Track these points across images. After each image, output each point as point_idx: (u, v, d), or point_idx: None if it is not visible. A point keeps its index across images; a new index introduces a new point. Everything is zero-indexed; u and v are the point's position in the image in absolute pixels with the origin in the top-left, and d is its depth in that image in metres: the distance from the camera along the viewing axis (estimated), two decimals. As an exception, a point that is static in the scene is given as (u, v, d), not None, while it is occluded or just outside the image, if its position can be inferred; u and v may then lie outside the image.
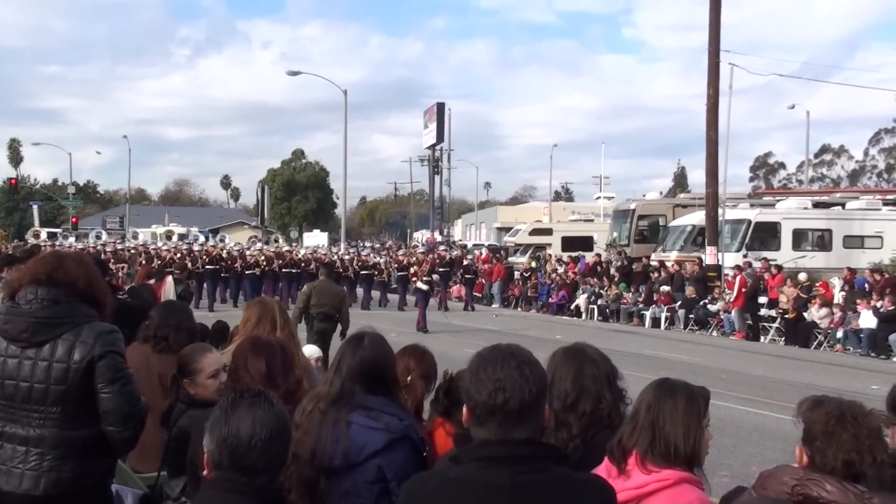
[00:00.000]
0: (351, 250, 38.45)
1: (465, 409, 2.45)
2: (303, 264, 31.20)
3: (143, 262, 26.23)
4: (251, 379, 3.43)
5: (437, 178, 70.44)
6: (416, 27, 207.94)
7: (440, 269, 30.43)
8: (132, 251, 32.02)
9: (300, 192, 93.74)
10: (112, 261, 28.60)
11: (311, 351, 7.20)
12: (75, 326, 3.66)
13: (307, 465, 3.27)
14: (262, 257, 30.52)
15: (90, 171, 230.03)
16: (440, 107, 67.13)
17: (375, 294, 31.90)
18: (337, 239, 56.84)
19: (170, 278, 14.53)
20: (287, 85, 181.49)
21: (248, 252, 31.48)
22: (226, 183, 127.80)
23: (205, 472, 2.50)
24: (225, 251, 30.99)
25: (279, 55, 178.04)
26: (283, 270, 30.51)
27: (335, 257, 32.69)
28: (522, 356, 2.44)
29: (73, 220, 59.98)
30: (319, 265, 23.59)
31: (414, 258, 31.11)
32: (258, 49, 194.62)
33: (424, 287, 23.77)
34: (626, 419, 3.22)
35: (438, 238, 59.33)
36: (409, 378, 4.08)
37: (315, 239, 62.52)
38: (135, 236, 48.53)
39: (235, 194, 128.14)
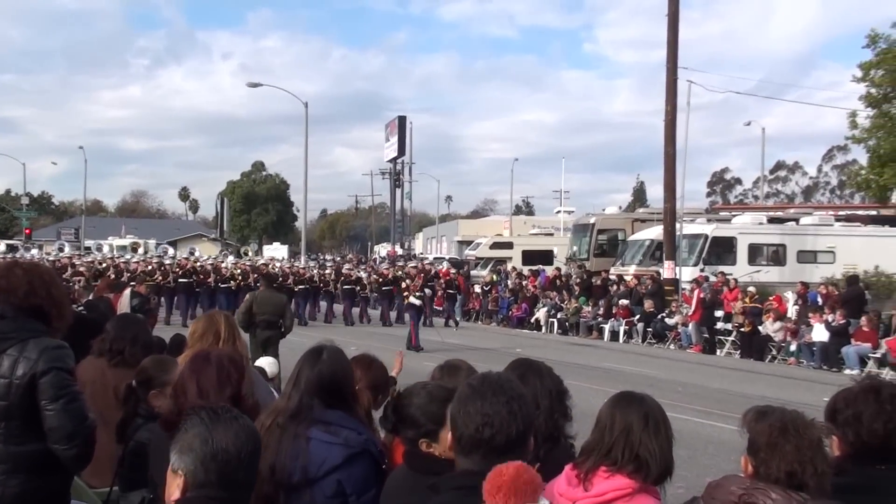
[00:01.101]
0: (311, 263, 38.02)
1: (449, 435, 2.46)
2: (280, 279, 29.88)
3: (113, 275, 25.63)
4: (185, 397, 3.33)
5: (398, 191, 70.48)
6: (379, 40, 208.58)
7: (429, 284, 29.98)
8: (102, 264, 30.91)
9: (260, 204, 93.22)
10: (69, 273, 28.04)
11: (268, 365, 7.16)
12: (20, 342, 3.59)
13: (266, 481, 3.25)
14: (238, 271, 29.87)
15: (45, 181, 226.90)
16: (401, 120, 67.24)
17: (366, 309, 31.31)
18: (297, 252, 56.54)
19: (127, 291, 14.38)
20: (247, 96, 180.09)
21: (222, 266, 30.80)
22: (184, 195, 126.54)
23: (176, 496, 2.41)
24: (198, 264, 30.26)
25: (239, 66, 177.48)
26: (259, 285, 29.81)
27: (314, 272, 31.86)
28: (512, 391, 2.46)
29: (27, 231, 58.98)
30: (260, 276, 23.12)
31: (404, 272, 29.41)
32: (218, 60, 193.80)
33: (417, 303, 22.59)
34: (593, 430, 3.26)
35: (400, 251, 59.31)
36: (357, 388, 4.07)
37: (275, 252, 62.18)
38: (98, 248, 47.81)
39: (194, 206, 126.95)
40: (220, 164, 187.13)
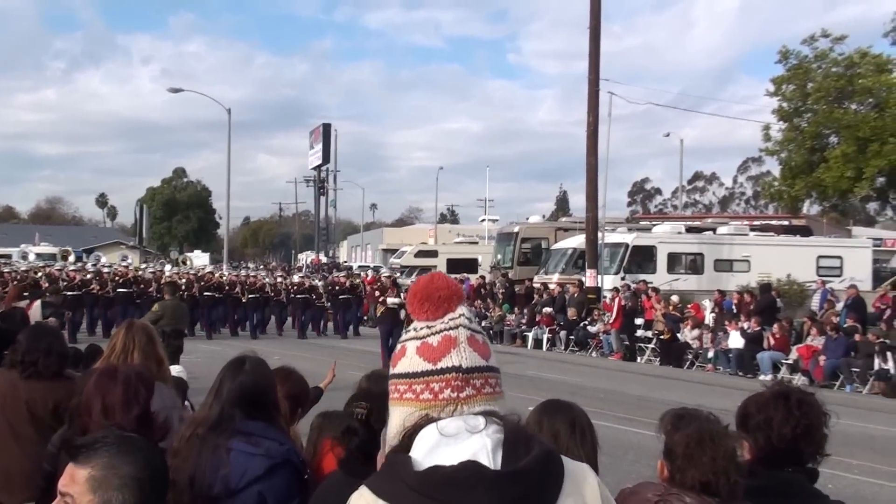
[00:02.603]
0: (236, 271, 36.77)
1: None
2: (227, 288, 27.95)
3: (46, 283, 24.39)
4: (89, 416, 3.21)
5: (322, 198, 70.13)
6: (303, 47, 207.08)
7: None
8: (36, 274, 27.78)
9: (181, 211, 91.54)
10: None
11: (180, 374, 7.03)
12: None
13: (185, 493, 3.19)
14: (183, 280, 27.71)
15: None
16: (326, 128, 66.92)
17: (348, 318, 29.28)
18: (219, 259, 55.60)
19: (38, 302, 13.96)
20: (169, 102, 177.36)
21: (165, 275, 28.88)
22: (102, 201, 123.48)
23: None
24: (139, 273, 28.48)
25: (161, 71, 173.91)
26: (205, 294, 27.32)
27: (265, 280, 29.54)
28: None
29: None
30: (164, 285, 22.03)
31: (378, 283, 26.19)
32: (138, 64, 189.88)
33: (397, 301, 20.52)
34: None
35: (324, 259, 58.89)
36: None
37: (196, 260, 61.05)
38: (24, 256, 46.02)
39: (112, 213, 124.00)
40: (139, 171, 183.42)
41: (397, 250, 54.76)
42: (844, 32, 24.10)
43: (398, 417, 1.68)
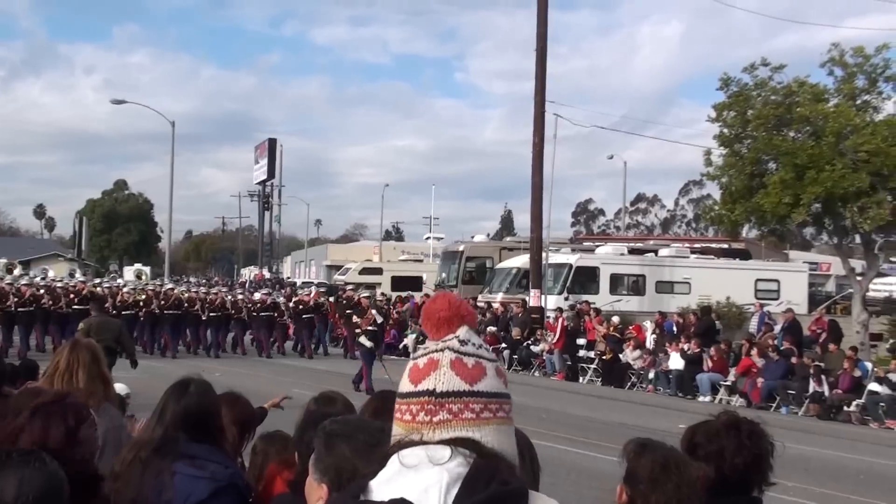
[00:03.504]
0: (181, 285, 35.81)
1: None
2: (186, 305, 26.46)
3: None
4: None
5: (267, 213, 69.52)
6: (250, 61, 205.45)
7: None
8: None
9: (122, 223, 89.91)
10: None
11: (121, 391, 6.94)
12: None
13: (127, 517, 3.15)
14: (143, 297, 26.35)
15: None
16: (272, 142, 66.57)
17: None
18: (160, 273, 54.72)
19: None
20: (111, 113, 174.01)
21: (124, 290, 27.39)
22: (40, 212, 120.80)
23: None
24: (97, 289, 26.87)
25: (103, 82, 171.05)
26: (166, 312, 25.91)
27: (228, 298, 28.04)
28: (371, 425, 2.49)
29: None
30: (91, 300, 21.02)
31: (356, 302, 24.69)
32: (80, 75, 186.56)
33: (368, 344, 19.50)
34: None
35: (267, 275, 58.37)
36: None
37: (125, 274, 59.95)
38: None
39: (50, 224, 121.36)
40: (79, 182, 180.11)
41: (342, 267, 54.43)
42: (783, 61, 24.66)
43: (393, 437, 1.67)
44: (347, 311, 22.01)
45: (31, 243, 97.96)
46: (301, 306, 28.55)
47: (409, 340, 29.85)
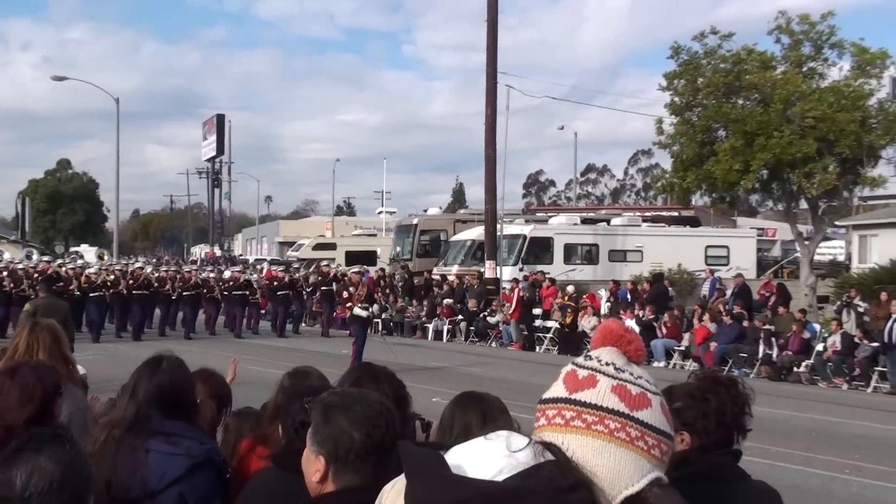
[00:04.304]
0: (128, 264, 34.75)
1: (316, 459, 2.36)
2: (156, 284, 25.88)
3: None
4: None
5: (216, 191, 68.63)
6: (193, 35, 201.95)
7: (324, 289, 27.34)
8: None
9: (66, 204, 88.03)
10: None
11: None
12: None
13: (102, 497, 3.07)
14: (111, 277, 25.29)
15: None
16: (220, 118, 65.61)
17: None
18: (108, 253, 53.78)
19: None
20: (51, 90, 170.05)
21: (90, 271, 26.14)
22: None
23: None
24: (62, 270, 25.83)
25: (41, 58, 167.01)
26: (135, 293, 25.18)
27: (198, 276, 27.50)
28: (370, 397, 2.46)
29: None
30: (39, 281, 20.65)
31: (346, 279, 22.94)
32: (17, 50, 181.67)
33: (364, 313, 18.77)
34: (437, 432, 3.30)
35: (218, 252, 57.74)
36: (199, 399, 3.97)
37: (84, 254, 58.93)
38: None
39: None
40: (19, 162, 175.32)
41: (294, 243, 54.08)
42: (731, 29, 24.91)
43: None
44: (347, 287, 20.71)
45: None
46: (275, 283, 28.03)
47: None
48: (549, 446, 1.52)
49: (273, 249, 63.69)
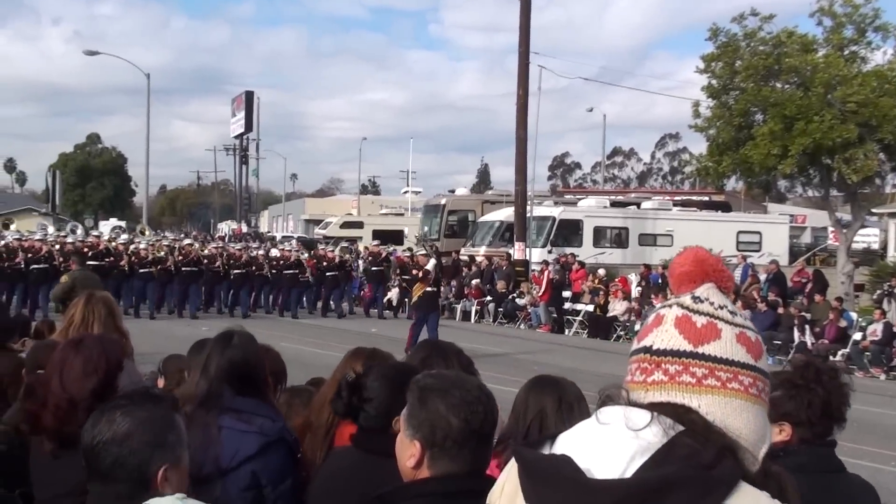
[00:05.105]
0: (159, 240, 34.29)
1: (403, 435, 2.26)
2: (206, 261, 25.00)
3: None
4: (47, 388, 3.15)
5: (244, 167, 68.79)
6: (221, 11, 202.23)
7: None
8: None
9: (95, 178, 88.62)
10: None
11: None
12: None
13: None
14: (162, 253, 24.64)
15: None
16: (249, 95, 65.64)
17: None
18: (134, 228, 54.10)
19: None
20: (81, 65, 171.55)
21: (140, 246, 25.41)
22: (10, 166, 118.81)
23: None
24: (112, 245, 25.31)
25: (73, 33, 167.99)
26: (184, 269, 24.39)
27: (248, 254, 26.71)
28: (466, 381, 2.36)
29: None
30: (72, 254, 20.51)
31: (406, 259, 23.68)
32: (48, 25, 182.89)
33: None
34: (509, 417, 3.20)
35: (245, 229, 57.89)
36: None
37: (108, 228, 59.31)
38: None
39: (21, 179, 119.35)
40: (50, 135, 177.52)
41: (320, 221, 54.10)
42: (772, 11, 24.48)
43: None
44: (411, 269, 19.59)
45: (2, 198, 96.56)
46: (325, 263, 27.15)
47: (393, 294, 29.66)
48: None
49: (299, 227, 63.82)
